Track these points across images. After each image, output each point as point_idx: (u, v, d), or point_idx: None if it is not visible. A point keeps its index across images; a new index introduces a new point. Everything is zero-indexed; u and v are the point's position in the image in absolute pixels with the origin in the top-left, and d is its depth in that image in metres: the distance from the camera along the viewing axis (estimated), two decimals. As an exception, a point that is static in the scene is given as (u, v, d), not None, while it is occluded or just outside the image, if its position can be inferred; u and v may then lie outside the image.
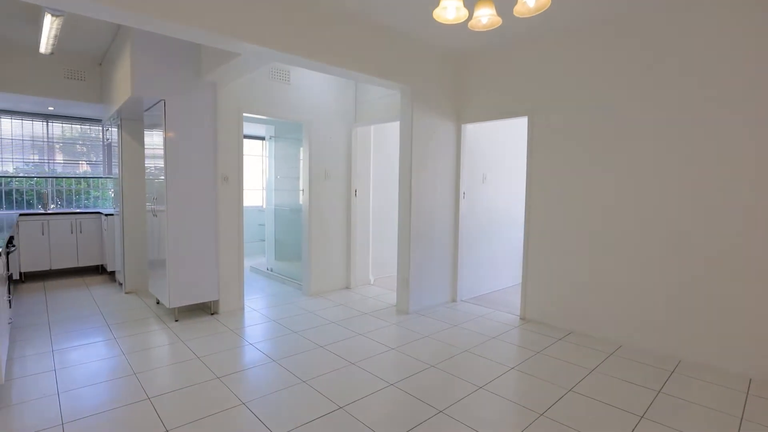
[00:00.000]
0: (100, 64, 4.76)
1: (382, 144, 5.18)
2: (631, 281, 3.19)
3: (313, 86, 4.48)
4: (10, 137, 5.37)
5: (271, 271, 5.60)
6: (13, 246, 3.48)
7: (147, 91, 3.42)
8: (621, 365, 2.90)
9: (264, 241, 6.70)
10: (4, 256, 2.98)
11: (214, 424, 2.13)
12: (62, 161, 5.75)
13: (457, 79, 4.24)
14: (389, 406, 2.33)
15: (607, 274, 3.31)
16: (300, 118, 4.41)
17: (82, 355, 2.96)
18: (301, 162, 4.69)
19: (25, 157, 5.50)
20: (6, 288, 2.98)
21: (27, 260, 5.00)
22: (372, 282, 5.19)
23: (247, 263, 6.29)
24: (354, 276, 4.95)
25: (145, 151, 4.16)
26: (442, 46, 3.92)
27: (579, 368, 2.85)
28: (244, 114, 4.03)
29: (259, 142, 7.46)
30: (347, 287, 4.96)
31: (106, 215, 5.14)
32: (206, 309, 4.03)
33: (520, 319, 3.89)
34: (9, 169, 5.45)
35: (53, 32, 3.16)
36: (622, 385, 2.60)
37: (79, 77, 4.65)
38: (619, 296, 3.26)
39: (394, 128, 5.24)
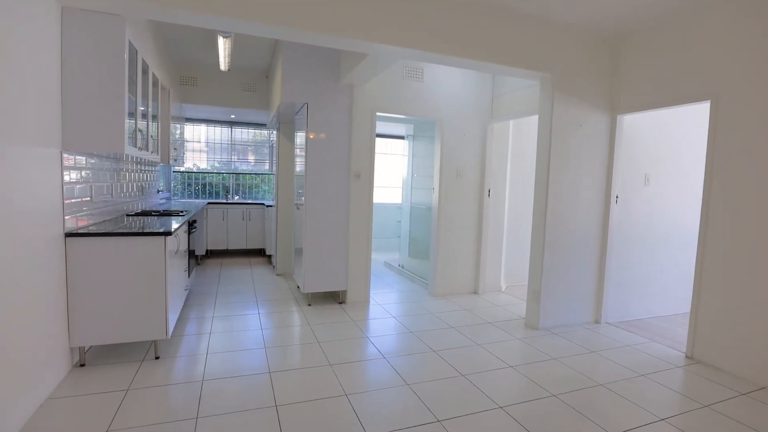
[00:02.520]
0: (267, 77, 5.52)
1: (522, 141, 4.74)
2: None
3: (447, 83, 4.36)
4: (206, 141, 6.69)
5: (403, 267, 5.70)
6: (194, 228, 4.28)
7: (293, 96, 3.80)
8: None
9: (399, 237, 6.89)
10: (186, 235, 3.68)
11: (315, 409, 2.22)
12: (241, 159, 6.92)
13: (610, 63, 3.58)
14: (492, 431, 2.08)
15: (833, 316, 2.35)
16: (433, 115, 4.34)
17: (231, 324, 3.47)
18: (434, 160, 4.62)
19: (215, 156, 6.79)
20: (186, 261, 3.68)
21: (212, 240, 6.15)
22: (503, 289, 4.81)
23: (381, 258, 6.55)
24: (483, 281, 4.67)
25: (295, 150, 4.65)
26: (590, 26, 3.35)
27: (771, 440, 2.09)
28: (379, 113, 4.16)
29: (401, 141, 7.68)
30: (475, 292, 4.71)
31: (267, 206, 5.96)
32: (336, 297, 4.31)
33: (686, 357, 3.07)
34: (205, 166, 6.81)
35: (227, 51, 3.78)
36: None
37: (252, 89, 5.49)
38: None
39: (536, 123, 4.74)
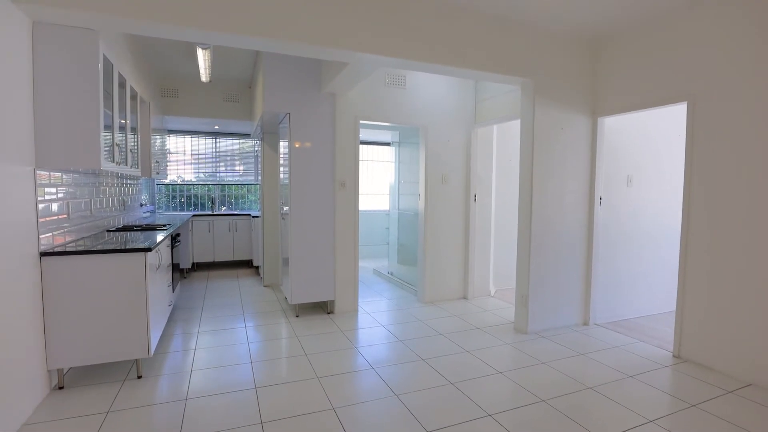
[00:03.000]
0: (250, 87, 5.50)
1: (506, 145, 4.77)
2: None
3: (430, 89, 4.37)
4: (189, 152, 6.62)
5: (392, 274, 5.67)
6: (178, 242, 4.21)
7: (275, 106, 3.78)
8: (834, 445, 2.04)
9: (388, 244, 6.87)
10: (169, 249, 3.61)
11: (302, 424, 2.17)
12: (227, 171, 6.85)
13: (591, 66, 3.63)
14: (482, 440, 2.06)
15: (813, 311, 2.38)
16: (416, 122, 4.35)
17: (217, 339, 3.40)
18: (419, 166, 4.62)
19: (199, 168, 6.72)
20: (170, 276, 3.61)
21: (197, 252, 6.06)
22: (492, 294, 4.81)
23: (371, 266, 6.52)
24: (472, 286, 4.66)
25: (279, 159, 4.62)
26: (570, 30, 3.39)
27: (758, 438, 2.09)
28: (363, 121, 4.15)
29: (387, 148, 7.68)
30: (464, 297, 4.70)
31: (254, 217, 5.90)
32: (324, 308, 4.26)
33: (673, 356, 3.09)
34: (191, 177, 6.73)
35: (207, 62, 3.75)
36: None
37: (235, 99, 5.45)
38: (834, 345, 2.30)
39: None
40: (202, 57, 3.63)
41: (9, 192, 2.12)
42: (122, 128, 3.15)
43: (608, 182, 3.74)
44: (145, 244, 2.69)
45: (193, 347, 3.22)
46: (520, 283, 3.61)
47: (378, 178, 7.78)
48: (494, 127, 4.61)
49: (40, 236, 2.39)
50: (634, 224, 3.91)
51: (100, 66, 2.50)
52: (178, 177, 6.72)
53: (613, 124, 3.73)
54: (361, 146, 7.49)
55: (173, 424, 2.16)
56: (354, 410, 2.32)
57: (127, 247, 2.58)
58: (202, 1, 2.37)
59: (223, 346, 3.27)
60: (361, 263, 6.72)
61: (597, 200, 3.68)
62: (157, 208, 6.46)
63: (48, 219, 2.50)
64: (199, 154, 6.66)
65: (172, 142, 6.52)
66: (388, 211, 6.63)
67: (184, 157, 6.64)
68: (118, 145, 2.93)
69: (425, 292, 4.51)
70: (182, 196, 6.73)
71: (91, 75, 2.44)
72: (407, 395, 2.49)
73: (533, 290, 3.52)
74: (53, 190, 2.59)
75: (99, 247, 2.55)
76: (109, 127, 2.79)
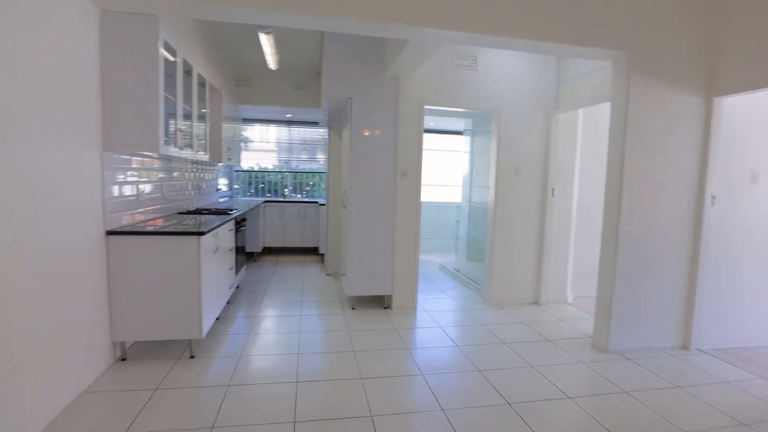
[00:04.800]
0: (319, 74, 5.47)
1: (595, 133, 4.16)
2: None
3: (504, 69, 3.93)
4: (266, 140, 6.86)
5: (458, 271, 5.35)
6: (243, 226, 4.32)
7: (336, 91, 3.65)
8: None
9: (457, 238, 6.53)
10: (232, 233, 3.70)
11: (335, 428, 2.03)
12: (299, 158, 7.00)
13: (705, 33, 2.94)
14: (536, 480, 1.73)
15: None
16: (488, 106, 3.95)
17: (271, 326, 3.41)
18: (490, 155, 4.22)
19: (275, 155, 6.94)
20: (232, 259, 3.70)
21: (268, 237, 6.27)
22: (569, 301, 4.27)
23: (437, 260, 6.23)
24: (545, 290, 4.18)
25: (342, 147, 4.52)
26: (688, -13, 2.76)
27: None
28: (428, 106, 3.87)
29: (460, 137, 7.27)
30: (536, 302, 4.23)
31: (321, 205, 5.93)
32: (381, 302, 4.10)
33: (810, 404, 2.41)
34: (267, 165, 6.99)
35: (271, 48, 3.73)
36: None
37: (304, 87, 5.47)
38: None
39: (613, 112, 4.13)
40: (266, 42, 3.62)
41: (79, 174, 2.24)
42: (188, 115, 3.24)
43: (725, 178, 3.05)
44: (201, 228, 2.73)
45: (248, 332, 3.25)
46: (601, 290, 3.10)
47: (450, 169, 7.40)
48: (580, 112, 4.03)
49: (108, 216, 2.52)
50: (759, 231, 3.15)
51: (161, 51, 2.54)
52: (256, 164, 7.02)
53: (735, 105, 3.01)
54: (431, 135, 7.20)
55: (210, 409, 2.15)
56: (393, 422, 2.11)
57: (182, 230, 2.63)
58: (253, -21, 2.28)
59: (275, 333, 3.26)
60: (427, 257, 6.46)
61: (708, 199, 3.01)
62: (235, 194, 6.80)
63: (116, 200, 2.63)
64: (274, 142, 6.88)
65: (250, 131, 6.81)
66: (459, 203, 6.28)
67: (260, 145, 6.91)
68: (181, 130, 3.01)
69: (491, 293, 4.13)
70: (258, 182, 7.02)
71: (152, 61, 2.49)
72: (455, 411, 2.22)
73: (618, 300, 3.00)
74: (122, 173, 2.71)
75: (160, 229, 2.63)
76: (172, 114, 2.86)
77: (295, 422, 2.07)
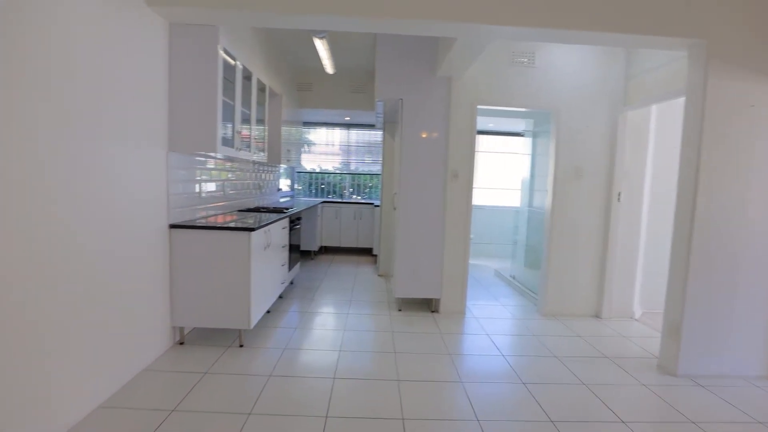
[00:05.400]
0: (374, 77, 5.55)
1: (670, 132, 3.76)
2: None
3: (565, 65, 3.69)
4: (327, 143, 7.09)
5: (514, 278, 5.11)
6: (297, 225, 4.49)
7: (386, 93, 3.68)
8: None
9: (515, 244, 6.26)
10: (285, 231, 3.86)
11: (364, 428, 2.02)
12: (357, 161, 7.15)
13: (820, 14, 2.52)
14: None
15: None
16: (547, 105, 3.74)
17: (318, 322, 3.50)
18: (549, 158, 3.98)
19: (335, 157, 7.15)
20: (285, 256, 3.87)
21: (325, 236, 6.46)
22: (636, 316, 3.89)
23: (493, 266, 6.01)
24: (608, 303, 3.85)
25: (395, 148, 4.54)
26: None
27: None
28: (481, 106, 3.75)
29: (521, 139, 6.97)
30: (597, 316, 3.91)
31: (375, 206, 5.99)
32: (429, 305, 4.04)
33: None
34: (327, 167, 7.23)
35: (326, 53, 3.85)
36: None
37: (361, 90, 5.58)
38: None
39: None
40: (321, 47, 3.74)
41: (149, 172, 2.49)
42: (247, 118, 3.44)
43: (833, 182, 2.59)
44: (253, 225, 2.88)
45: (295, 326, 3.37)
46: (670, 307, 2.78)
47: (511, 172, 7.12)
48: (653, 109, 3.66)
49: (172, 210, 2.75)
50: None
51: (220, 59, 2.73)
52: (317, 166, 7.28)
53: None
54: (490, 137, 6.98)
55: (249, 397, 2.25)
56: (424, 427, 2.06)
57: (234, 226, 2.80)
58: (301, -15, 2.37)
59: (321, 329, 3.34)
60: (483, 262, 6.26)
61: (810, 207, 2.58)
62: (296, 194, 7.10)
63: (180, 196, 2.87)
64: (333, 145, 7.10)
65: (312, 134, 7.08)
66: (518, 208, 6.02)
67: (322, 148, 7.15)
68: (239, 132, 3.21)
69: (546, 302, 3.89)
70: (318, 183, 7.27)
71: (212, 67, 2.68)
72: (491, 423, 2.11)
73: (690, 318, 2.67)
74: (185, 171, 2.95)
75: (215, 224, 2.82)
76: (230, 117, 3.06)
77: (327, 417, 2.10)
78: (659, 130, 3.75)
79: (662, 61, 3.29)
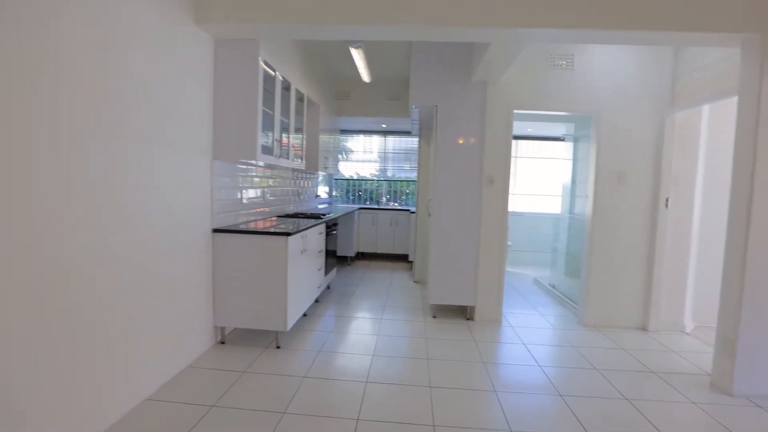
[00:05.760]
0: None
1: (721, 133, 3.53)
2: None
3: (606, 67, 3.57)
4: (363, 150, 7.20)
5: (553, 287, 4.95)
6: (334, 231, 4.58)
7: (421, 99, 3.70)
8: None
9: (555, 252, 6.05)
10: (321, 236, 3.96)
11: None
12: (395, 167, 7.20)
13: None
14: None
15: None
16: (586, 108, 3.62)
17: (352, 326, 3.55)
18: (589, 162, 3.85)
19: (372, 164, 7.24)
20: (321, 261, 3.96)
21: (362, 242, 6.54)
22: (688, 330, 3.66)
23: (532, 274, 5.84)
24: (656, 315, 3.64)
25: (430, 155, 4.54)
26: None
27: None
28: (517, 111, 3.69)
29: (562, 143, 6.76)
30: (643, 328, 3.71)
31: (412, 213, 6.00)
32: (464, 313, 3.99)
33: None
34: (364, 174, 7.33)
35: (362, 62, 3.94)
36: None
37: (397, 97, 5.64)
38: None
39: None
40: (357, 56, 3.83)
41: (196, 179, 2.66)
42: (285, 127, 3.57)
43: None
44: (289, 230, 2.98)
45: (330, 330, 3.44)
46: (723, 320, 2.60)
47: (552, 178, 6.92)
48: (705, 109, 3.45)
49: (215, 215, 2.90)
50: None
51: (260, 71, 2.87)
52: (355, 173, 7.41)
53: None
54: (529, 142, 6.83)
55: (284, 397, 2.32)
56: (454, 434, 2.04)
57: (271, 231, 2.91)
58: (331, 2, 2.46)
59: (355, 333, 3.38)
60: (521, 270, 6.11)
61: None
62: (334, 201, 7.25)
63: (222, 201, 3.02)
64: (371, 152, 7.19)
65: (350, 141, 7.22)
66: (559, 215, 5.84)
67: (360, 155, 7.27)
68: (278, 141, 3.34)
69: (587, 312, 3.74)
70: (357, 190, 7.39)
71: (252, 79, 2.82)
72: (524, 434, 2.06)
73: (746, 335, 2.48)
74: (229, 179, 3.11)
75: (254, 229, 2.95)
76: (270, 126, 3.20)
77: (358, 419, 2.13)
78: (711, 132, 3.52)
79: (715, 58, 3.10)
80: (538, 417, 2.23)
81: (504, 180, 3.69)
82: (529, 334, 3.51)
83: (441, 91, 3.66)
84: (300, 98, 4.05)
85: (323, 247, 4.00)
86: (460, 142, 3.69)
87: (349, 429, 2.05)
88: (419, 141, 5.14)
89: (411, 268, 6.09)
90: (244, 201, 3.40)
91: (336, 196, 7.30)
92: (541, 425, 2.15)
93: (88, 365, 1.83)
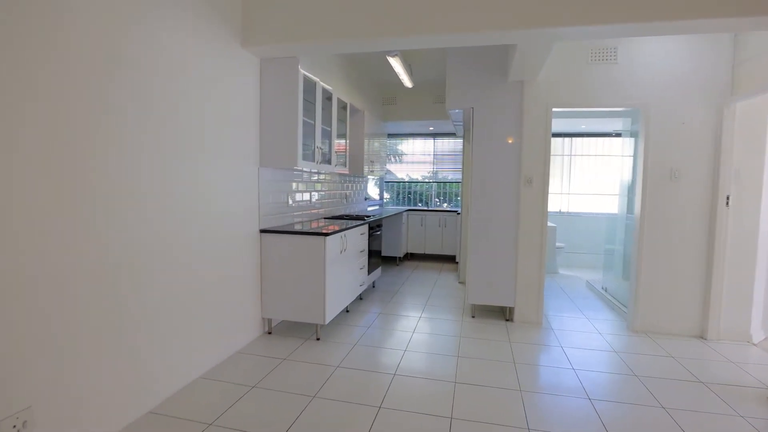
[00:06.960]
0: (456, 86, 5.63)
1: (797, 123, 3.18)
2: None
3: (653, 59, 3.36)
4: (413, 153, 7.32)
5: (605, 290, 4.72)
6: (378, 231, 4.77)
7: (457, 102, 3.76)
8: None
9: (610, 254, 5.71)
10: (364, 237, 4.16)
11: (413, 427, 2.15)
12: (444, 169, 7.24)
13: None
14: None
15: None
16: (632, 102, 3.45)
17: (390, 323, 3.70)
18: (637, 158, 3.65)
19: (421, 167, 7.34)
20: (363, 260, 4.16)
21: (411, 244, 6.67)
22: (755, 340, 3.33)
23: (585, 276, 5.59)
24: (717, 322, 3.36)
25: (470, 156, 4.56)
26: None
27: None
28: (556, 109, 3.61)
29: (618, 139, 6.36)
30: (701, 336, 3.44)
31: (458, 214, 6.02)
32: (503, 313, 3.97)
33: None
34: (415, 176, 7.46)
35: (402, 69, 4.08)
36: None
37: (441, 100, 5.69)
38: None
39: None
40: (395, 64, 3.98)
41: (246, 185, 3.00)
42: (327, 134, 3.82)
43: None
44: (327, 230, 3.21)
45: (369, 325, 3.62)
46: (782, 330, 2.38)
47: (608, 176, 6.54)
48: (771, 99, 3.14)
49: (263, 217, 3.22)
50: None
51: (300, 84, 3.13)
52: (406, 175, 7.56)
53: None
54: (582, 139, 6.51)
55: (315, 383, 2.53)
56: (471, 429, 2.11)
57: (312, 231, 3.16)
58: (363, 17, 2.64)
59: (392, 329, 3.53)
60: (575, 273, 5.87)
61: None
62: (385, 203, 7.45)
63: (270, 204, 3.33)
64: (420, 154, 7.30)
65: (400, 144, 7.38)
66: (615, 215, 5.52)
67: (410, 157, 7.41)
68: (320, 147, 3.59)
69: (636, 317, 3.55)
70: (407, 192, 7.54)
71: (293, 92, 3.10)
72: (541, 434, 2.07)
73: (808, 346, 2.26)
74: (276, 184, 3.42)
75: (296, 229, 3.22)
76: (311, 134, 3.46)
77: (380, 407, 2.28)
78: (782, 122, 3.19)
79: (779, 43, 2.83)
80: (560, 418, 2.22)
81: (543, 180, 3.63)
82: (570, 338, 3.42)
83: (477, 92, 3.69)
84: (343, 106, 4.29)
85: (365, 247, 4.19)
86: (497, 142, 3.69)
87: (371, 415, 2.20)
88: (464, 142, 5.16)
89: (457, 269, 6.10)
90: (291, 204, 3.70)
91: (388, 199, 7.49)
92: (561, 425, 2.14)
93: (154, 347, 2.18)
